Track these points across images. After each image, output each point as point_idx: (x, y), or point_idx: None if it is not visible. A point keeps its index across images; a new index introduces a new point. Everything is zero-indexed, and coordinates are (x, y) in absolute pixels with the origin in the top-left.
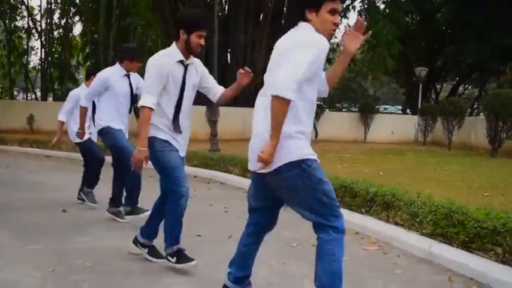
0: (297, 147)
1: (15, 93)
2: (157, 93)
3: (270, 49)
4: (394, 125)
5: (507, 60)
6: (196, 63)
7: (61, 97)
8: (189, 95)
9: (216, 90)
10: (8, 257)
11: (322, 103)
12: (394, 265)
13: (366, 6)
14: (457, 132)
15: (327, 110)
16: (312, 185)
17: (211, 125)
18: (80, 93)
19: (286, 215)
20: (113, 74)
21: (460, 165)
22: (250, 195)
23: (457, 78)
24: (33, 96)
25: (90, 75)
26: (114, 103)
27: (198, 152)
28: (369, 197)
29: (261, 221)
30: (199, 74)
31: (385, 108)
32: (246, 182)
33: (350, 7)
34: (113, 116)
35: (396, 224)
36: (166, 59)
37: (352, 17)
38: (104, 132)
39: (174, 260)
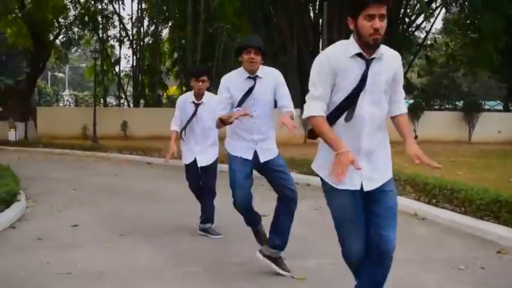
0: None
1: (109, 99)
2: None
3: None
4: (501, 123)
5: None
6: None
7: (152, 104)
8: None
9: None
10: (169, 281)
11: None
12: None
13: None
14: None
15: (425, 110)
16: None
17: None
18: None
19: (425, 230)
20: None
21: None
22: None
23: None
24: (126, 103)
25: (203, 74)
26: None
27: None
28: None
29: None
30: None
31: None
32: None
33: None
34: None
35: None
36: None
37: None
38: None
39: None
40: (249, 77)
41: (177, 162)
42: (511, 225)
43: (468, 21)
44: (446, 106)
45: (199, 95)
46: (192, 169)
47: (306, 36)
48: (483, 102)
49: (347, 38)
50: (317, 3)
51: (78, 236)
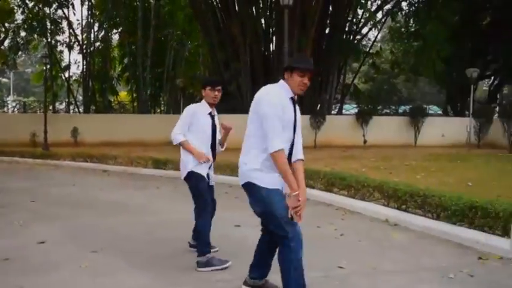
0: None
1: (58, 105)
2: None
3: (315, 55)
4: (444, 128)
5: None
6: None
7: (102, 109)
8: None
9: None
10: None
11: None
12: None
13: (413, 8)
14: None
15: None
16: None
17: None
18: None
19: (402, 237)
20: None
21: None
22: None
23: (498, 78)
24: (76, 109)
25: (220, 84)
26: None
27: None
28: None
29: None
30: None
31: None
32: (330, 197)
33: (396, 9)
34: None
35: None
36: None
37: (400, 20)
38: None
39: None
40: (291, 98)
41: (135, 170)
42: (488, 230)
43: (412, 30)
44: (387, 111)
45: (213, 106)
46: (206, 184)
47: (259, 43)
48: (428, 107)
49: (299, 45)
50: (267, 11)
51: (48, 254)
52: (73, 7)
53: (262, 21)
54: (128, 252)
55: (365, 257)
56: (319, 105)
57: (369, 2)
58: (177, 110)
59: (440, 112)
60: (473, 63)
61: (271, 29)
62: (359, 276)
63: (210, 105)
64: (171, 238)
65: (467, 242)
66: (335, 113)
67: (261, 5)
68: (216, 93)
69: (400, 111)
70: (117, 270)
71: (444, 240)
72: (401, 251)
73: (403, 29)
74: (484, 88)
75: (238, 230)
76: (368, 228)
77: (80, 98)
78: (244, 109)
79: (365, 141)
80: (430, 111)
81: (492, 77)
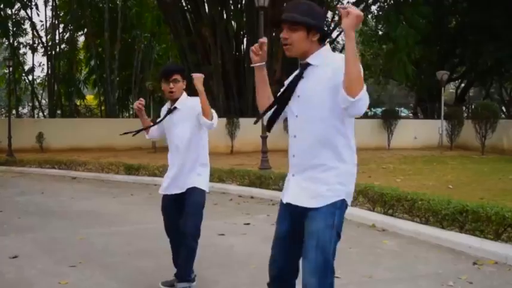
0: None
1: (21, 110)
2: None
3: (286, 60)
4: (417, 130)
5: None
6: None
7: (69, 114)
8: None
9: None
10: None
11: None
12: None
13: (382, 12)
14: (490, 136)
15: None
16: None
17: (262, 141)
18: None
19: (392, 243)
20: None
21: None
22: None
23: (465, 81)
24: (41, 113)
25: (174, 72)
26: None
27: (247, 169)
28: (507, 222)
29: None
30: None
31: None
32: None
33: (366, 12)
34: None
35: None
36: None
37: (370, 22)
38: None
39: None
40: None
41: (107, 176)
42: (479, 235)
43: (381, 33)
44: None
45: (172, 100)
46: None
47: (230, 45)
48: (400, 110)
49: (271, 47)
50: (238, 13)
51: (23, 270)
52: (36, 8)
53: (233, 23)
54: (109, 266)
55: (359, 265)
56: None
57: (339, 5)
58: (146, 114)
59: (410, 114)
60: (441, 66)
61: (242, 31)
62: (357, 286)
63: (170, 100)
64: (152, 249)
65: (459, 247)
66: None
67: (232, 7)
68: (171, 85)
69: (370, 113)
70: (100, 287)
71: (435, 245)
72: (395, 258)
73: (370, 32)
74: (451, 90)
75: (223, 239)
76: (356, 234)
77: (45, 102)
78: (216, 112)
79: None
80: (402, 114)
81: (459, 80)
